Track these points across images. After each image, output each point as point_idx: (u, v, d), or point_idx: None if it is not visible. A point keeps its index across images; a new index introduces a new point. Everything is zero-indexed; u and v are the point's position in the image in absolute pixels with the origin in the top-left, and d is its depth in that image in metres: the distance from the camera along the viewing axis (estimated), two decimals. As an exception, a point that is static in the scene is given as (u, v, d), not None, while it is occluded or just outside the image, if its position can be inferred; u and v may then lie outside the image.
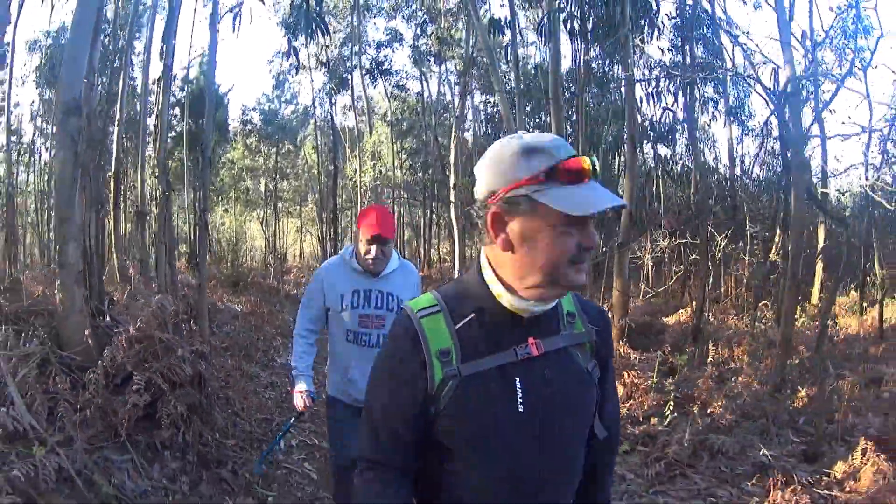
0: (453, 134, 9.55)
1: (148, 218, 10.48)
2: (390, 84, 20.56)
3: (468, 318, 1.09)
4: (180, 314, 3.78)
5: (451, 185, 9.44)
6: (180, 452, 3.37)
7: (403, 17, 18.77)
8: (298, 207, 28.37)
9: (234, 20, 5.60)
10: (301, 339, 2.78)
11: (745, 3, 12.98)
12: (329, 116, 19.02)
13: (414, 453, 1.13)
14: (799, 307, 10.65)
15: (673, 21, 11.37)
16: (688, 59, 10.50)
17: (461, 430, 1.08)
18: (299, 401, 2.75)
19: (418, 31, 17.56)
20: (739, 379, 5.59)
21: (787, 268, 6.11)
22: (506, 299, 1.08)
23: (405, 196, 22.54)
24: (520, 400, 1.06)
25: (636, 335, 6.91)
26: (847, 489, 3.74)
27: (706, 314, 8.30)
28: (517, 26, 7.69)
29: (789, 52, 5.39)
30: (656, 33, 9.55)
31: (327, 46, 14.02)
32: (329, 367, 2.77)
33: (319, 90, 20.11)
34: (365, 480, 1.13)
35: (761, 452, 4.28)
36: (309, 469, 3.94)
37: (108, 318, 3.68)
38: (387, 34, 19.81)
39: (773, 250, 11.33)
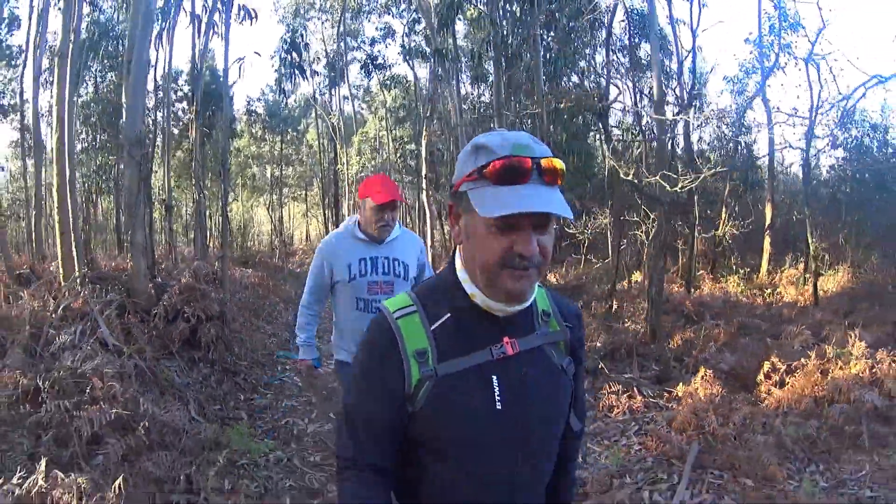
0: (424, 130, 11.08)
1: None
2: (384, 76, 22.06)
3: (444, 318, 1.10)
4: (210, 274, 5.55)
5: (423, 174, 10.99)
6: (210, 365, 5.16)
7: (393, 14, 20.16)
8: (304, 192, 29.71)
9: (240, 68, 7.25)
10: (307, 310, 2.87)
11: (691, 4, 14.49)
12: (327, 110, 20.60)
13: (392, 452, 1.14)
14: (744, 278, 12.23)
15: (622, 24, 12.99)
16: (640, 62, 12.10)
17: (439, 430, 1.08)
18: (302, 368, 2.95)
19: (407, 29, 18.95)
20: (627, 324, 7.25)
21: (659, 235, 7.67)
22: (479, 298, 1.08)
23: (405, 180, 24.16)
24: (497, 398, 1.07)
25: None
26: (682, 403, 5.02)
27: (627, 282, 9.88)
28: (458, 56, 9.29)
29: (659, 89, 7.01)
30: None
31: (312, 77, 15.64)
32: (336, 340, 2.85)
33: (319, 83, 21.78)
34: (344, 479, 1.15)
35: (619, 374, 5.95)
36: (296, 380, 5.74)
37: (159, 279, 5.45)
38: (381, 30, 21.30)
39: (722, 227, 12.86)
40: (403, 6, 18.53)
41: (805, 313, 8.63)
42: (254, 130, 25.18)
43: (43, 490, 2.76)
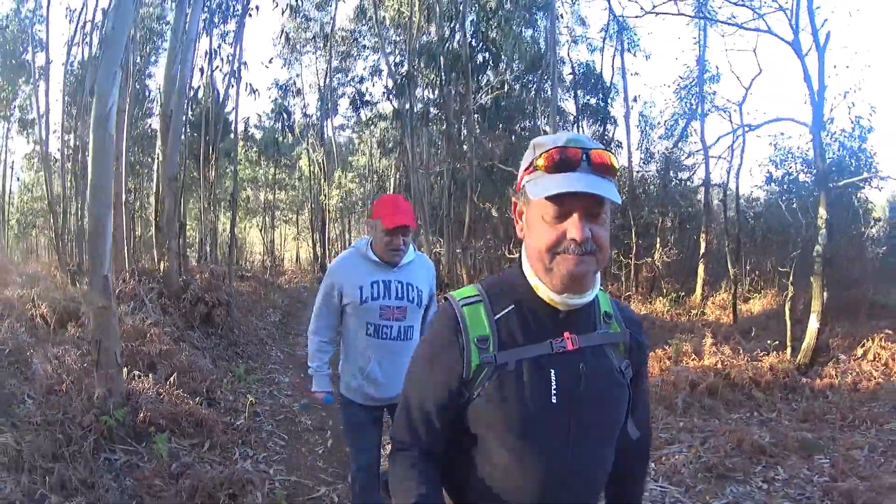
0: (393, 164, 13.19)
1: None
2: (371, 113, 24.18)
3: (507, 310, 1.13)
4: (221, 274, 7.69)
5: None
6: (219, 337, 7.26)
7: (379, 55, 22.38)
8: (295, 216, 31.16)
9: (245, 126, 9.40)
10: (316, 336, 2.73)
11: (633, 54, 16.64)
12: (318, 140, 22.82)
13: (445, 437, 1.18)
14: (675, 301, 13.93)
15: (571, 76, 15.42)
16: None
17: (493, 417, 1.11)
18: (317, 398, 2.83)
19: (392, 70, 21.09)
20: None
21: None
22: (542, 291, 1.10)
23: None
24: (553, 391, 1.09)
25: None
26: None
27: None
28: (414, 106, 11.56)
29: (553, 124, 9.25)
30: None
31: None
32: (342, 368, 2.71)
33: (311, 116, 23.94)
34: (397, 461, 1.20)
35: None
36: (279, 355, 7.81)
37: (185, 277, 7.58)
38: (369, 70, 23.52)
39: (656, 255, 14.70)
40: (389, 49, 20.81)
41: (709, 326, 9.94)
42: (249, 155, 26.57)
43: (125, 383, 4.75)
